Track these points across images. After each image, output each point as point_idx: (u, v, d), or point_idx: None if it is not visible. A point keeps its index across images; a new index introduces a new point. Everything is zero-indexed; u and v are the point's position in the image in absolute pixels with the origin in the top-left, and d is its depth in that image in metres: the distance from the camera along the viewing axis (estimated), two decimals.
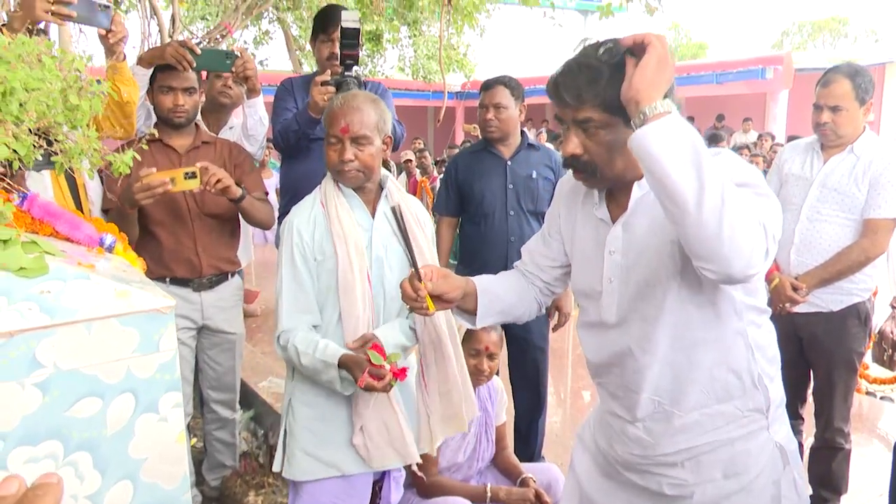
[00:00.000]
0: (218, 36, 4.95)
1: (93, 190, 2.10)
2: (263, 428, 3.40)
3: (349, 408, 1.82)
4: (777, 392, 1.46)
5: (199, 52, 2.25)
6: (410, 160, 8.91)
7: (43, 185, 1.82)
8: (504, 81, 2.82)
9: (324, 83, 2.31)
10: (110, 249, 1.27)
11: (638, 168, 1.33)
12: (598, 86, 1.30)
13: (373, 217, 1.84)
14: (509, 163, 2.82)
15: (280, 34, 14.64)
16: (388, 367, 1.63)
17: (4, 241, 0.98)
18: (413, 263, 1.46)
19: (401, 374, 1.65)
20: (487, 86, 2.83)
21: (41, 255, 0.99)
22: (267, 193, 2.50)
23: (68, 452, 0.94)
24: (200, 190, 2.11)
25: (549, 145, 4.82)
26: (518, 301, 1.63)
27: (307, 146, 2.55)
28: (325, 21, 2.63)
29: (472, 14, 10.46)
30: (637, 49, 1.20)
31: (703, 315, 1.35)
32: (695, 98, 12.70)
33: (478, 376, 2.30)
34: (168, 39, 4.40)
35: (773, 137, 10.18)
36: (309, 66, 14.79)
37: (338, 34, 2.38)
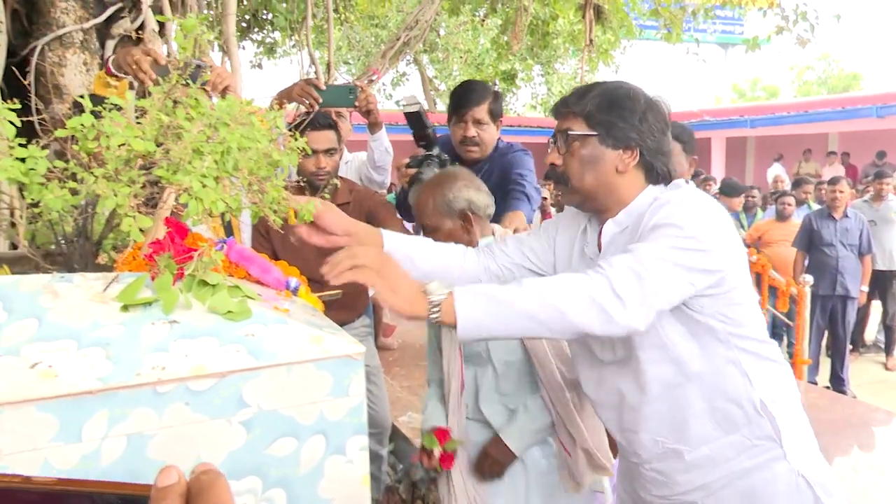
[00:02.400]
0: (366, 81, 5.21)
1: (245, 232, 2.24)
2: (403, 463, 3.45)
3: None
4: (793, 420, 1.38)
5: (323, 88, 2.36)
6: (546, 198, 8.90)
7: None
8: (676, 135, 2.54)
9: (407, 166, 2.34)
10: (295, 292, 1.34)
11: (617, 191, 1.39)
12: (585, 98, 1.39)
13: None
14: None
15: (416, 75, 15.22)
16: (437, 452, 1.66)
17: (213, 286, 1.06)
18: None
19: (447, 460, 1.67)
20: None
21: (244, 299, 1.07)
22: (408, 232, 2.58)
23: (266, 488, 0.99)
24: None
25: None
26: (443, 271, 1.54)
27: None
28: (455, 102, 2.52)
29: (608, 52, 10.41)
30: None
31: (688, 348, 1.33)
32: (851, 133, 11.89)
33: None
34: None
35: None
36: (444, 105, 15.21)
37: (471, 116, 2.39)
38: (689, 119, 13.66)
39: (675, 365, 1.35)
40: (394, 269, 1.26)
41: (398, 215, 2.60)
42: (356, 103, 2.43)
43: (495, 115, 2.50)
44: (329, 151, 2.37)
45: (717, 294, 1.32)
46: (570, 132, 1.40)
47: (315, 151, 2.36)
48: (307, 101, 2.32)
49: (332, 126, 2.39)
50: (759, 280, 5.82)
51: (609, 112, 1.38)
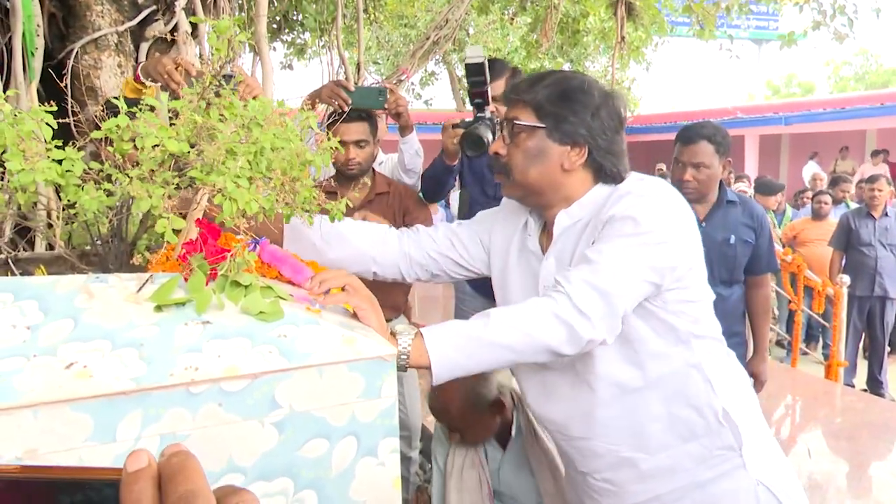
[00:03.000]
0: (395, 80, 5.22)
1: None
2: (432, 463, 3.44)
3: None
4: (755, 427, 1.33)
5: (352, 89, 2.36)
6: None
7: None
8: (708, 136, 2.41)
9: (454, 126, 2.29)
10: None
11: (562, 189, 1.32)
12: (536, 87, 1.31)
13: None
14: (703, 225, 2.43)
15: (445, 74, 15.20)
16: None
17: (246, 286, 1.06)
18: None
19: None
20: (687, 139, 2.44)
21: (276, 299, 1.07)
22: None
23: (297, 490, 0.99)
24: None
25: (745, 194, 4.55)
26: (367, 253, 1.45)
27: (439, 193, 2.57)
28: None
29: (640, 49, 10.30)
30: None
31: (646, 349, 1.28)
32: (890, 130, 11.60)
33: None
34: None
35: None
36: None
37: (497, 85, 2.36)
38: (722, 117, 13.45)
39: (633, 366, 1.30)
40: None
41: (424, 205, 2.59)
42: (385, 105, 2.42)
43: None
44: (360, 143, 2.37)
45: (678, 288, 1.27)
46: (516, 122, 1.32)
47: (346, 142, 2.37)
48: (336, 103, 2.33)
49: (364, 118, 2.38)
50: (793, 280, 5.71)
51: (560, 104, 1.30)
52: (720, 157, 2.43)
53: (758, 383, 2.67)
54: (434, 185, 2.51)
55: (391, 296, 2.48)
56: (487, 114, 2.27)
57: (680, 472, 1.32)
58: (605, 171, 1.34)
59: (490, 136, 2.15)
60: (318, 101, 2.41)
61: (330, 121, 2.38)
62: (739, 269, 2.54)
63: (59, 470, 0.42)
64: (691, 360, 1.31)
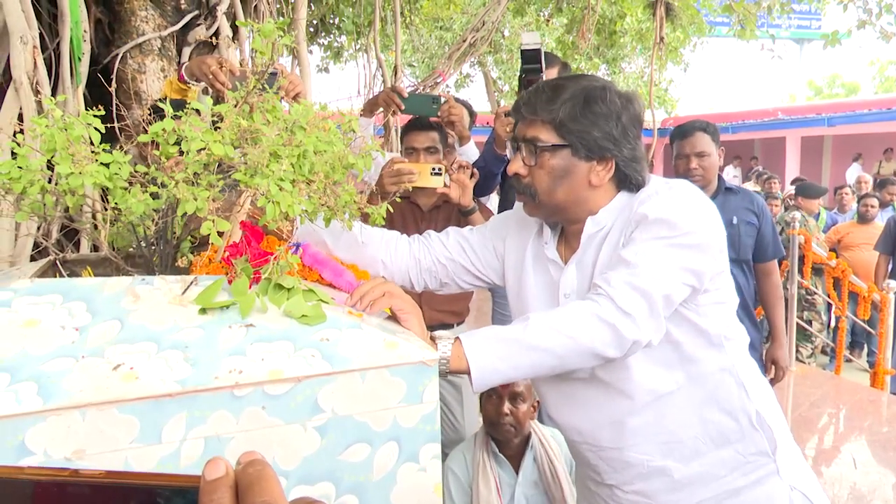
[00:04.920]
0: (432, 82, 5.22)
1: None
2: None
3: None
4: (785, 433, 1.29)
5: (406, 95, 2.36)
6: None
7: None
8: (703, 127, 2.68)
9: (507, 114, 2.28)
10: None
11: (587, 203, 1.27)
12: (555, 104, 1.24)
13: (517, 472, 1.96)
14: None
15: (480, 76, 15.20)
16: None
17: (289, 290, 1.06)
18: None
19: None
20: (685, 133, 2.68)
21: (318, 303, 1.07)
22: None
23: (339, 494, 0.98)
24: (443, 191, 2.17)
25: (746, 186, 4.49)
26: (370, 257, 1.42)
27: (492, 185, 2.53)
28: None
29: (678, 49, 10.17)
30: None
31: (678, 353, 1.24)
32: None
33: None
34: None
35: None
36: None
37: (550, 73, 2.35)
38: (763, 118, 13.20)
39: (665, 371, 1.26)
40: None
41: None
42: (439, 114, 2.42)
43: None
44: (429, 150, 2.37)
45: (710, 290, 1.25)
46: (538, 143, 1.26)
47: (416, 149, 2.38)
48: (391, 108, 2.35)
49: (435, 126, 2.40)
50: (837, 285, 5.56)
51: (582, 119, 1.24)
52: (716, 145, 2.66)
53: (778, 370, 2.75)
54: (485, 177, 2.50)
55: (454, 302, 2.48)
56: None
57: (714, 479, 1.29)
58: (630, 181, 1.30)
59: None
60: (375, 107, 2.44)
61: (404, 126, 2.42)
62: (746, 250, 2.66)
63: (141, 476, 0.44)
64: (724, 363, 1.28)
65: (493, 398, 1.93)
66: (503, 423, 1.90)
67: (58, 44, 2.59)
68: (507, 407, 1.90)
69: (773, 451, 1.28)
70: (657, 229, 1.20)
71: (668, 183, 1.30)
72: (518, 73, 2.23)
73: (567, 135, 1.25)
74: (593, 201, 1.31)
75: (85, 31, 2.61)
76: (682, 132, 2.70)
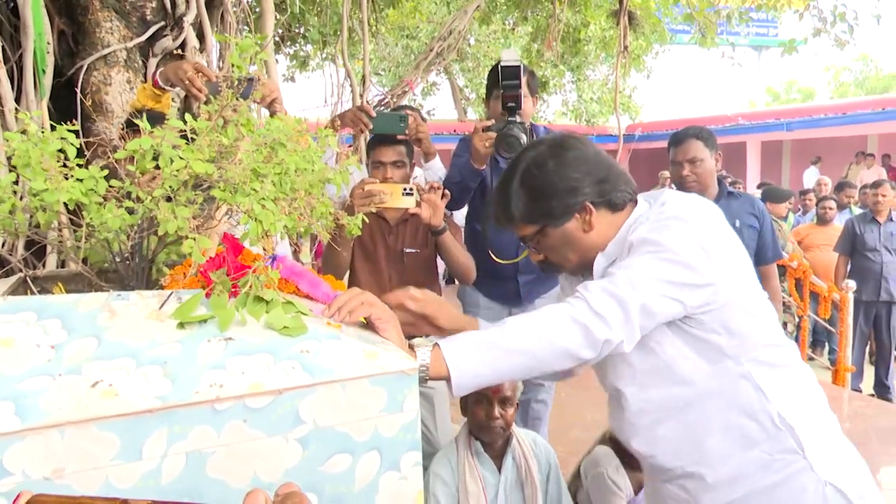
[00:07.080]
0: (400, 92, 5.24)
1: (285, 247, 2.27)
2: None
3: None
4: (816, 427, 1.34)
5: (373, 115, 2.38)
6: None
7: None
8: (695, 133, 2.72)
9: (485, 129, 2.30)
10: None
11: (597, 244, 1.38)
12: (509, 207, 1.39)
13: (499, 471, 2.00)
14: None
15: (447, 84, 15.26)
16: None
17: (268, 302, 1.07)
18: None
19: None
20: (678, 140, 2.73)
21: (297, 315, 1.07)
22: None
23: None
24: (413, 213, 2.19)
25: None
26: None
27: (466, 199, 2.54)
28: (495, 78, 2.53)
29: (640, 57, 10.33)
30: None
31: (695, 367, 1.31)
32: (891, 135, 11.61)
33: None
34: (358, 98, 4.73)
35: None
36: (476, 114, 15.22)
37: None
38: (723, 123, 13.46)
39: (683, 385, 1.33)
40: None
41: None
42: (406, 131, 2.43)
43: (532, 89, 2.58)
44: (396, 164, 2.38)
45: (713, 309, 1.28)
46: (526, 238, 1.42)
47: (384, 163, 2.38)
48: (358, 127, 2.36)
49: (401, 141, 2.42)
50: (799, 285, 5.70)
51: (536, 201, 1.37)
52: (710, 150, 2.70)
53: None
54: (461, 191, 2.50)
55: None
56: (518, 118, 2.27)
57: (746, 479, 1.33)
58: (616, 200, 1.38)
59: (524, 138, 2.16)
60: (341, 123, 2.44)
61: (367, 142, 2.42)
62: (748, 251, 2.67)
63: None
64: (739, 371, 1.32)
65: (484, 403, 1.96)
66: (494, 427, 1.95)
67: (20, 56, 2.55)
68: (497, 410, 1.94)
69: (802, 449, 1.31)
70: (643, 248, 1.26)
71: (663, 203, 1.35)
72: (484, 83, 2.25)
73: (538, 219, 1.38)
74: (599, 237, 1.39)
75: (48, 43, 2.57)
76: (675, 139, 2.76)
